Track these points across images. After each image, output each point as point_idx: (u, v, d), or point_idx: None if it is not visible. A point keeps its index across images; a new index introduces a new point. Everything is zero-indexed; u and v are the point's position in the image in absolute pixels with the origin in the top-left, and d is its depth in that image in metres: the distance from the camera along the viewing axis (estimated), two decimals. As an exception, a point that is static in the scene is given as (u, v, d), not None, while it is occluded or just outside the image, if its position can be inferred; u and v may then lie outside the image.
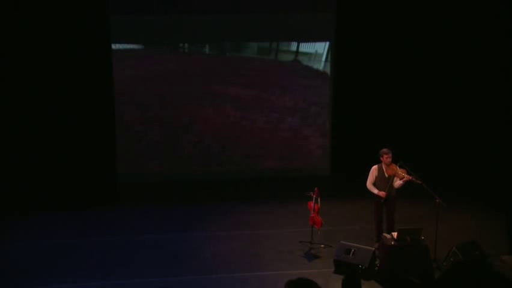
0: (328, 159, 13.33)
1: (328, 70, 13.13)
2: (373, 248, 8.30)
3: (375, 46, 12.51)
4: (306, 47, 13.06)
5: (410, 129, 12.51)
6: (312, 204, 8.90)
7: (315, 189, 8.91)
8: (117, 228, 10.14)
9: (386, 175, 8.68)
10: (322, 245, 9.06)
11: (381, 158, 8.67)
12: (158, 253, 9.00)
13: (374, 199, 8.85)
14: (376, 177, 8.76)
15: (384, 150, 8.67)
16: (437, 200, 8.28)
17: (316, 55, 13.10)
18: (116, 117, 12.65)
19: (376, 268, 8.13)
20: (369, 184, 8.80)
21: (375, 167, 8.80)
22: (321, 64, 13.13)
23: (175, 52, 12.95)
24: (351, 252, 8.10)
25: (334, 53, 12.96)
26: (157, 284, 7.99)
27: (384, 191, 8.67)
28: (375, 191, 8.73)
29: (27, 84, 11.94)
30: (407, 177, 8.45)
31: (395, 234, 8.10)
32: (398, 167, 8.55)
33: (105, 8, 12.12)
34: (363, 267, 7.94)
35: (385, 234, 8.34)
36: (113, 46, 12.46)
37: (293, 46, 13.09)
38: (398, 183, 8.64)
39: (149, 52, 12.81)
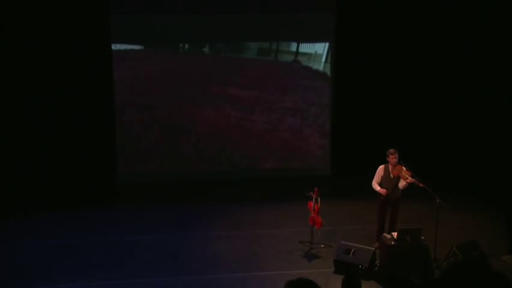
0: (328, 159, 13.33)
1: (328, 70, 13.13)
2: (373, 248, 8.31)
3: (375, 46, 12.51)
4: (305, 48, 13.06)
5: (410, 130, 12.50)
6: (312, 204, 8.90)
7: (315, 189, 8.90)
8: (117, 228, 10.14)
9: (392, 175, 8.69)
10: (322, 245, 9.07)
11: (388, 158, 8.67)
12: (158, 253, 9.00)
13: (379, 199, 8.84)
14: (382, 177, 8.77)
15: (391, 150, 8.67)
16: (437, 200, 8.28)
17: (316, 55, 13.11)
18: (116, 117, 12.65)
19: (376, 268, 8.14)
20: (374, 183, 8.82)
21: (381, 166, 8.81)
22: (321, 64, 13.14)
23: (175, 52, 12.95)
24: (351, 252, 8.10)
25: (334, 54, 12.96)
26: (157, 284, 8.01)
27: (386, 190, 8.68)
28: (378, 188, 8.75)
29: (27, 84, 11.94)
30: (410, 179, 8.46)
31: (395, 234, 8.11)
32: (403, 168, 8.56)
33: (105, 8, 12.12)
34: (363, 267, 7.94)
35: (385, 234, 8.35)
36: (113, 46, 12.46)
37: (293, 47, 13.09)
38: (402, 184, 8.65)
39: (149, 52, 12.80)
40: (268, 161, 13.30)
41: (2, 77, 11.85)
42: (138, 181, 12.69)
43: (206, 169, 13.10)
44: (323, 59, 13.10)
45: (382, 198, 8.74)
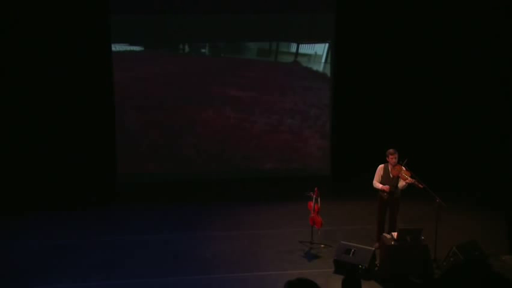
0: (328, 160, 13.32)
1: (328, 71, 13.13)
2: (373, 248, 8.31)
3: (375, 47, 12.50)
4: (305, 49, 13.07)
5: (410, 130, 12.50)
6: (312, 204, 8.91)
7: (315, 189, 8.91)
8: (117, 228, 10.15)
9: (391, 175, 8.70)
10: (322, 245, 9.07)
11: (387, 158, 8.68)
12: (158, 253, 9.00)
13: (378, 199, 8.86)
14: (382, 177, 8.79)
15: (390, 150, 8.68)
16: (437, 200, 8.29)
17: (315, 56, 13.11)
18: (116, 118, 12.65)
19: (376, 268, 8.14)
20: (375, 182, 8.83)
21: (381, 166, 8.82)
22: (320, 65, 13.14)
23: (175, 53, 12.95)
24: (351, 252, 8.11)
25: (333, 54, 12.96)
26: (157, 284, 8.01)
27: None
28: (380, 186, 8.76)
29: (28, 84, 11.94)
30: (409, 179, 8.46)
31: (395, 234, 8.11)
32: (403, 168, 8.56)
33: (105, 8, 12.13)
34: (363, 267, 7.95)
35: (385, 234, 8.35)
36: (113, 47, 12.46)
37: (293, 47, 13.09)
38: (401, 184, 8.66)
39: (149, 53, 12.81)
40: (268, 162, 13.30)
41: (1, 77, 11.84)
42: (138, 181, 12.70)
43: (206, 169, 13.10)
44: (323, 60, 13.10)
45: (384, 194, 8.74)
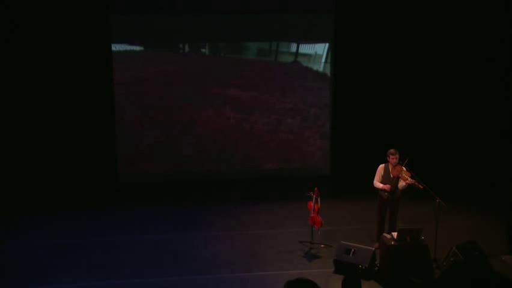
0: (328, 160, 13.32)
1: (328, 71, 13.13)
2: (373, 248, 8.32)
3: (375, 47, 12.51)
4: (305, 48, 13.06)
5: (410, 130, 12.51)
6: (312, 204, 8.91)
7: (315, 189, 8.91)
8: (117, 228, 10.15)
9: (391, 176, 8.70)
10: (322, 245, 9.07)
11: (388, 158, 8.68)
12: (158, 253, 9.00)
13: (378, 199, 8.86)
14: (382, 176, 8.79)
15: (391, 150, 8.68)
16: (437, 200, 8.29)
17: (316, 56, 13.10)
18: (116, 118, 12.66)
19: (376, 268, 8.15)
20: (375, 182, 8.83)
21: (382, 166, 8.82)
22: (320, 65, 13.14)
23: (175, 53, 12.95)
24: (351, 252, 8.11)
25: (334, 54, 12.96)
26: (157, 284, 8.01)
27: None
28: (380, 185, 8.76)
29: (27, 84, 11.94)
30: (410, 180, 8.46)
31: (395, 234, 8.11)
32: (403, 169, 8.56)
33: (105, 8, 12.13)
34: (363, 267, 7.95)
35: (385, 234, 8.35)
36: (113, 47, 12.46)
37: (293, 47, 13.09)
38: (401, 184, 8.67)
39: (149, 53, 12.80)
40: (268, 162, 13.30)
41: (1, 77, 11.84)
42: (138, 181, 12.70)
43: (206, 169, 13.10)
44: (323, 60, 13.09)
45: (385, 194, 8.74)
